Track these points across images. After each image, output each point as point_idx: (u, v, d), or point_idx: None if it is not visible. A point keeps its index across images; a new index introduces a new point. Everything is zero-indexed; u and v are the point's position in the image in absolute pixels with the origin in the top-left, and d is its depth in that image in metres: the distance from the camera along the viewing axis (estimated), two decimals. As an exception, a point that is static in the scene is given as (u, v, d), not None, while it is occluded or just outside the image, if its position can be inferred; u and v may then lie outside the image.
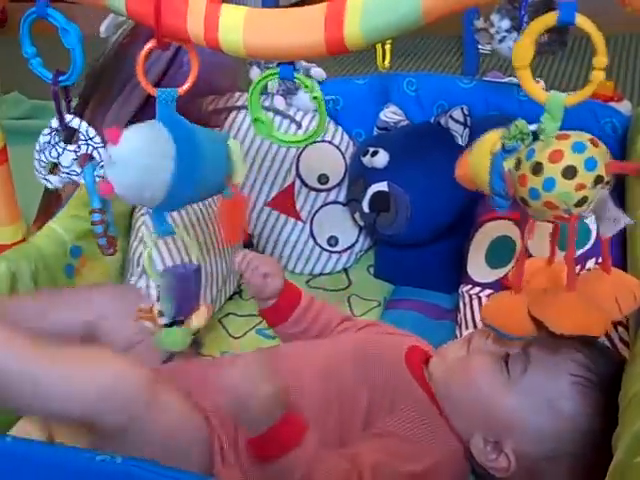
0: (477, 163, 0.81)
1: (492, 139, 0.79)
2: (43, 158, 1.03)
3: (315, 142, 1.38)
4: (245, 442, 0.81)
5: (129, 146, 0.84)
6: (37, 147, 1.03)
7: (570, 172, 0.72)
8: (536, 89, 0.74)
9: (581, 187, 0.72)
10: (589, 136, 0.75)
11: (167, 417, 0.81)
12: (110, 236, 0.98)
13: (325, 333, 1.06)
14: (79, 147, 1.01)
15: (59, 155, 1.03)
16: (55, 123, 1.01)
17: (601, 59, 0.71)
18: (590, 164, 0.73)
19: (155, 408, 0.80)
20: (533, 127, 0.76)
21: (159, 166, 0.84)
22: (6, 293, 0.99)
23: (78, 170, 1.04)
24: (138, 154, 0.84)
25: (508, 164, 0.77)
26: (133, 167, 0.84)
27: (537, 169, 0.73)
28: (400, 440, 0.85)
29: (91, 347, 0.88)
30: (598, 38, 0.71)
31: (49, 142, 1.03)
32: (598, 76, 0.72)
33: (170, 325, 0.96)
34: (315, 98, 0.88)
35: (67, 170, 1.04)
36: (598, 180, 0.73)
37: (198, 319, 0.98)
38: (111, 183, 0.85)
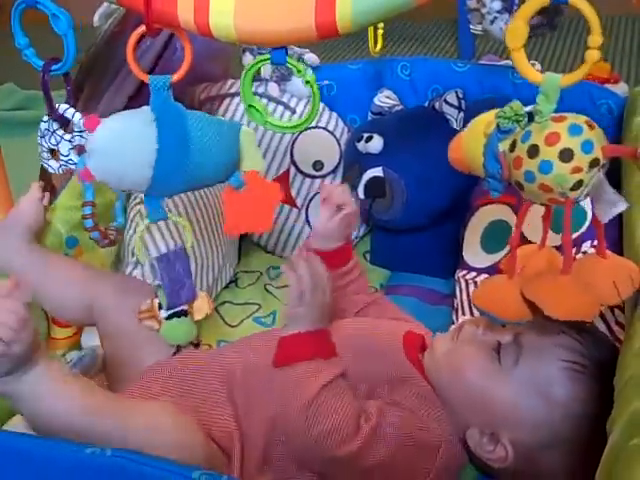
0: (471, 145, 0.80)
1: (486, 120, 0.79)
2: (44, 143, 1.03)
3: (309, 128, 1.38)
4: (279, 340, 0.87)
5: (103, 134, 0.84)
6: (39, 132, 1.03)
7: (567, 155, 0.71)
8: (531, 70, 0.74)
9: (577, 170, 0.72)
10: (585, 118, 0.74)
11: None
12: (108, 228, 0.98)
13: (352, 300, 1.06)
14: (73, 137, 1.01)
15: (57, 143, 1.03)
16: (61, 107, 1.01)
17: (596, 38, 0.70)
18: (587, 147, 0.72)
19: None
20: (528, 108, 0.75)
21: (137, 155, 0.84)
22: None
23: (75, 159, 1.03)
24: (112, 143, 0.84)
25: (503, 146, 0.76)
26: (107, 156, 0.84)
27: (533, 151, 0.73)
28: (407, 410, 0.86)
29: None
30: (592, 17, 0.70)
31: (48, 129, 1.02)
32: (593, 55, 0.71)
33: (171, 317, 0.96)
34: (307, 82, 0.87)
35: (65, 158, 1.04)
36: (594, 163, 0.72)
37: (200, 310, 0.98)
38: (89, 170, 0.85)
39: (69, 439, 0.71)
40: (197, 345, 1.00)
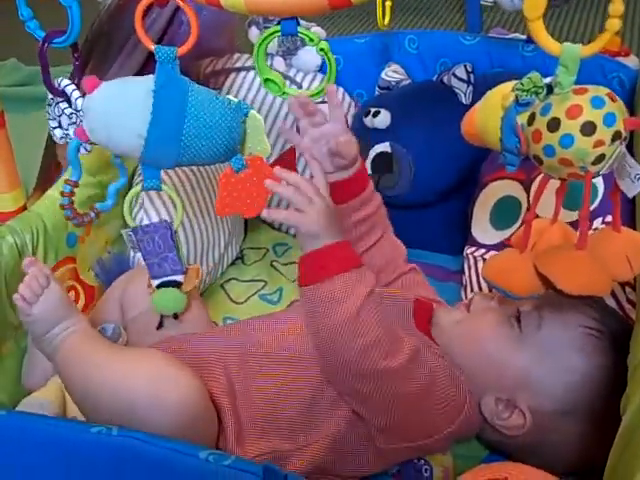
0: (486, 118, 0.79)
1: (502, 92, 0.77)
2: (50, 112, 1.03)
3: (316, 103, 1.36)
4: (302, 262, 0.83)
5: (99, 96, 0.84)
6: (47, 100, 1.03)
7: (589, 128, 0.70)
8: (550, 41, 0.71)
9: (600, 144, 0.70)
10: (607, 90, 0.72)
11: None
12: (91, 207, 0.98)
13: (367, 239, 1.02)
14: (72, 114, 1.00)
15: (60, 115, 1.02)
16: (62, 82, 1.00)
17: (617, 6, 0.68)
18: (609, 120, 0.70)
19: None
20: (547, 80, 0.73)
21: (128, 122, 0.83)
22: (12, 265, 0.98)
23: (72, 134, 1.03)
24: (105, 106, 0.84)
25: (521, 119, 0.74)
26: (100, 116, 0.84)
27: (554, 125, 0.71)
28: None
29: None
30: None
31: (53, 99, 1.02)
32: (614, 24, 0.69)
33: (159, 287, 0.96)
34: (322, 50, 0.85)
35: (65, 132, 1.04)
36: (616, 136, 0.71)
37: (187, 282, 0.98)
38: (84, 129, 0.86)
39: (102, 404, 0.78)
40: (176, 317, 0.99)
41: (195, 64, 1.40)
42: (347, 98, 1.44)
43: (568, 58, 0.70)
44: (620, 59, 1.34)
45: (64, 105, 1.02)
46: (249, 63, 1.40)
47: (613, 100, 0.71)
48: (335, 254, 0.82)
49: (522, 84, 0.73)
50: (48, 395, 0.95)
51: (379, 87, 1.42)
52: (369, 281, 0.83)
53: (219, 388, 0.87)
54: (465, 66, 1.29)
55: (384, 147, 1.30)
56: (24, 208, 1.15)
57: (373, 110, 1.32)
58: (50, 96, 1.02)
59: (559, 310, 0.85)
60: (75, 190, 0.94)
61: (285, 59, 1.40)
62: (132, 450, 0.56)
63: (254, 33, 1.40)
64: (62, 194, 0.94)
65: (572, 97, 0.71)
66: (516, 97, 0.74)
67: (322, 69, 1.43)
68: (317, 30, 1.40)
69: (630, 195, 0.75)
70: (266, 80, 0.90)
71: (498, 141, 0.76)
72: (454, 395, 0.84)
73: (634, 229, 0.91)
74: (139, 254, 1.17)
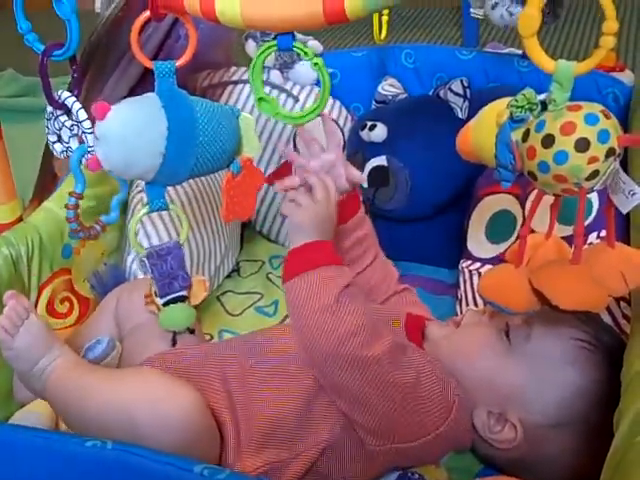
0: (481, 135, 0.79)
1: (497, 109, 0.77)
2: (49, 126, 1.03)
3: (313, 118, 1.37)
4: (286, 259, 0.88)
5: (115, 122, 0.82)
6: (46, 114, 1.03)
7: (583, 145, 0.70)
8: (544, 58, 0.72)
9: (593, 160, 0.70)
10: (601, 107, 0.72)
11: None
12: (96, 221, 0.98)
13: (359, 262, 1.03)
14: (73, 127, 1.00)
15: (60, 128, 1.02)
16: (62, 94, 1.00)
17: (611, 24, 0.68)
18: (603, 136, 0.70)
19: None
20: (542, 97, 0.74)
21: (147, 142, 0.82)
22: (7, 277, 0.98)
23: (74, 147, 1.03)
24: (124, 130, 0.82)
25: (516, 135, 0.75)
26: (118, 143, 0.82)
27: (548, 141, 0.71)
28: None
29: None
30: (608, 2, 0.69)
31: (52, 112, 1.02)
32: (608, 42, 0.69)
33: (167, 304, 0.95)
34: (316, 64, 0.86)
35: (66, 145, 1.04)
36: (610, 153, 0.71)
37: (195, 296, 0.98)
38: (98, 159, 0.84)
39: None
40: (192, 332, 0.98)
41: (192, 77, 1.40)
42: (343, 111, 1.44)
43: (562, 75, 0.71)
44: (615, 74, 1.34)
45: (64, 118, 1.02)
46: (246, 76, 1.40)
47: (607, 117, 0.72)
48: (315, 251, 0.87)
49: (516, 100, 0.74)
50: (40, 408, 0.94)
51: (376, 101, 1.42)
52: (347, 277, 0.86)
53: (219, 402, 0.86)
54: (461, 81, 1.30)
55: (380, 161, 1.30)
56: (20, 219, 1.15)
57: (370, 124, 1.33)
58: (49, 110, 1.02)
59: (550, 323, 0.85)
60: (80, 202, 0.94)
61: (282, 72, 1.40)
62: (127, 464, 0.56)
63: (251, 46, 1.40)
64: (67, 207, 0.94)
65: (566, 114, 0.71)
66: (510, 114, 0.74)
67: (319, 82, 1.43)
68: (314, 44, 1.40)
69: (624, 211, 0.76)
70: (260, 100, 0.90)
71: (493, 157, 0.77)
72: (440, 394, 0.84)
73: (628, 244, 0.91)
74: (135, 264, 1.17)
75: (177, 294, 0.95)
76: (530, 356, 0.84)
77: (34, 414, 0.93)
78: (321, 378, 0.85)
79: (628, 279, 0.78)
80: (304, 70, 1.39)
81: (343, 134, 1.41)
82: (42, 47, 0.97)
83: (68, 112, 1.02)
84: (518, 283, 0.80)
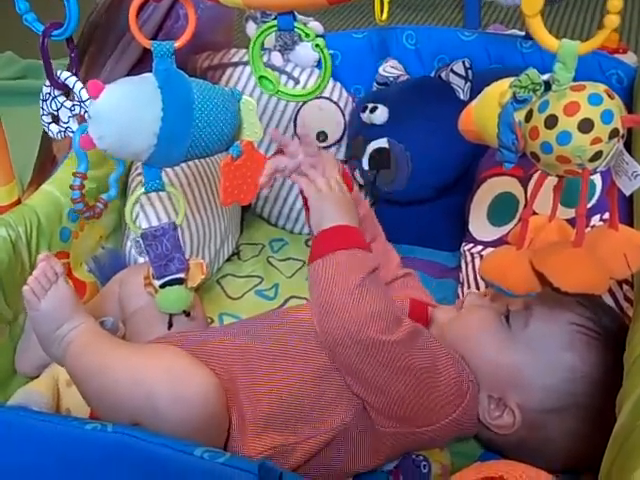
0: (483, 115, 0.78)
1: (500, 89, 0.76)
2: (45, 107, 1.02)
3: (313, 99, 1.36)
4: (316, 238, 0.91)
5: (108, 101, 0.82)
6: (41, 95, 1.02)
7: (587, 125, 0.69)
8: (548, 37, 0.71)
9: (597, 141, 0.70)
10: (604, 87, 0.71)
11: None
12: (98, 199, 0.97)
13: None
14: (74, 106, 0.99)
15: (58, 109, 1.01)
16: (62, 74, 0.99)
17: (615, 3, 0.67)
18: (607, 117, 0.70)
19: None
20: (545, 77, 0.73)
21: (141, 122, 0.82)
22: (6, 259, 0.98)
23: (74, 127, 1.02)
24: (117, 109, 0.82)
25: (518, 116, 0.74)
26: (112, 122, 0.82)
27: (551, 122, 0.70)
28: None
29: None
30: None
31: (49, 93, 1.01)
32: (612, 20, 0.68)
33: (164, 286, 0.95)
34: (317, 46, 0.85)
35: (65, 125, 1.03)
36: (614, 133, 0.70)
37: (193, 278, 0.97)
38: (91, 137, 0.83)
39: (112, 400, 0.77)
40: (188, 314, 0.98)
41: (192, 58, 1.39)
42: (344, 93, 1.43)
43: (566, 55, 0.70)
44: (618, 56, 1.33)
45: (62, 98, 1.01)
46: (246, 58, 1.39)
47: (611, 97, 0.71)
48: (345, 234, 0.89)
49: (520, 81, 0.73)
50: (41, 387, 0.94)
51: (377, 83, 1.41)
52: (374, 261, 0.88)
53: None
54: (463, 62, 1.29)
55: (382, 143, 1.29)
56: (18, 202, 1.15)
57: (371, 106, 1.32)
58: (46, 91, 1.01)
59: (549, 308, 0.85)
60: (85, 182, 0.93)
61: (282, 54, 1.39)
62: (127, 447, 0.56)
63: (251, 28, 1.39)
64: (72, 188, 0.93)
65: (570, 94, 0.71)
66: (513, 94, 0.73)
67: (319, 64, 1.42)
68: (314, 25, 1.39)
69: (627, 193, 0.75)
70: (260, 78, 0.89)
71: (495, 138, 0.76)
72: (455, 380, 0.84)
73: (632, 227, 0.91)
74: (133, 248, 1.17)
75: (174, 276, 0.95)
76: (529, 341, 0.84)
77: (35, 393, 0.93)
78: (335, 360, 0.84)
79: (631, 261, 0.77)
80: (304, 52, 1.38)
81: (344, 116, 1.40)
82: (41, 27, 0.96)
83: (67, 93, 1.01)
84: (519, 265, 0.80)
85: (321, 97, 1.40)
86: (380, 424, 0.84)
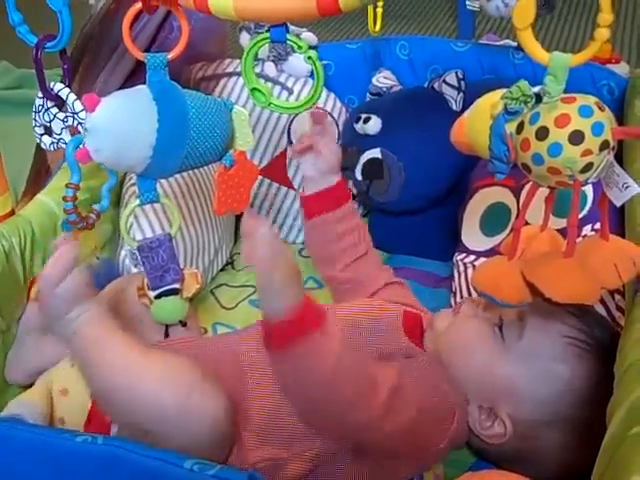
0: (475, 126, 0.79)
1: (491, 101, 0.77)
2: (38, 119, 1.02)
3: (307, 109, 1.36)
4: (265, 337, 0.76)
5: (105, 114, 0.82)
6: (33, 107, 1.02)
7: (577, 137, 0.70)
8: (538, 50, 0.72)
9: (588, 153, 0.70)
10: (595, 99, 0.72)
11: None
12: (91, 210, 0.97)
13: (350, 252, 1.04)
14: (67, 118, 1.00)
15: (50, 120, 1.01)
16: (56, 86, 0.99)
17: (605, 16, 0.68)
18: (597, 129, 0.70)
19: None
20: (536, 89, 0.73)
21: (137, 134, 0.82)
22: (0, 270, 0.98)
23: (67, 139, 1.02)
24: (113, 122, 0.82)
25: (510, 127, 0.74)
26: (108, 135, 0.82)
27: (542, 134, 0.71)
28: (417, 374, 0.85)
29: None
30: None
31: (42, 105, 1.01)
32: (602, 34, 0.69)
33: (159, 297, 0.95)
34: (309, 58, 0.85)
35: (57, 137, 1.03)
36: (604, 145, 0.71)
37: (188, 288, 0.97)
38: (88, 151, 0.83)
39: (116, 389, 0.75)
40: (184, 325, 0.98)
41: (186, 69, 1.40)
42: (338, 104, 1.44)
43: (556, 67, 0.71)
44: (611, 66, 1.34)
45: (55, 110, 1.02)
46: (239, 69, 1.40)
47: (601, 109, 0.72)
48: (298, 316, 0.73)
49: (511, 92, 0.73)
50: (34, 397, 0.94)
51: (370, 93, 1.42)
52: (336, 333, 0.77)
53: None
54: (456, 73, 1.29)
55: (375, 153, 1.30)
56: (12, 213, 1.15)
57: (364, 116, 1.32)
58: (39, 102, 1.01)
59: (542, 320, 0.84)
60: (77, 194, 0.93)
61: (276, 64, 1.39)
62: (117, 459, 0.55)
63: (245, 38, 1.39)
64: (65, 199, 0.93)
65: (560, 106, 0.71)
66: (505, 105, 0.74)
67: (313, 75, 1.42)
68: (308, 35, 1.39)
69: (618, 204, 0.75)
70: (253, 90, 0.90)
71: (487, 149, 0.76)
72: (441, 415, 0.84)
73: (623, 237, 0.91)
74: (127, 259, 1.17)
75: (169, 287, 0.95)
76: (522, 353, 0.84)
77: (29, 404, 0.92)
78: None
79: (622, 271, 0.78)
80: (298, 62, 1.38)
81: (337, 126, 1.41)
82: (34, 39, 0.96)
83: (60, 104, 1.02)
84: (511, 275, 0.80)
85: (315, 107, 1.40)
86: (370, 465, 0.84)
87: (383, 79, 1.41)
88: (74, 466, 0.56)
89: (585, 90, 0.75)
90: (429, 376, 0.86)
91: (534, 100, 0.73)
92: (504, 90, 0.75)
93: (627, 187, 0.73)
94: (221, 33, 1.40)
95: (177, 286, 0.96)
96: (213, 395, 0.78)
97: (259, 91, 0.90)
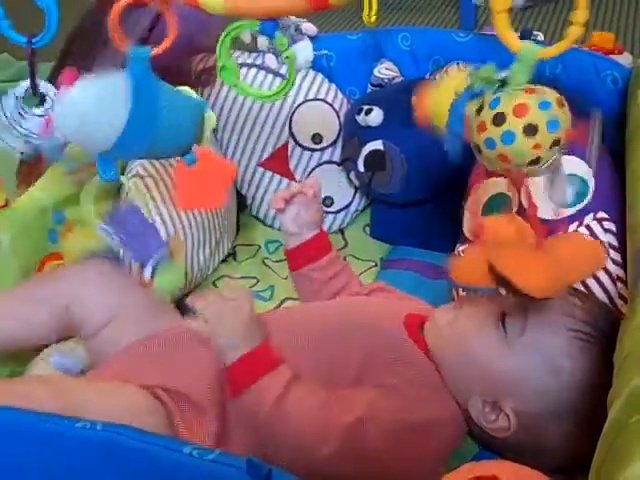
0: (438, 101, 0.78)
1: (458, 78, 0.77)
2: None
3: (308, 100, 1.36)
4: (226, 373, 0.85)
5: (77, 94, 0.82)
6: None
7: (531, 130, 0.70)
8: (511, 37, 0.72)
9: (538, 147, 0.70)
10: (557, 95, 0.72)
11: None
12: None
13: (343, 293, 1.06)
14: (46, 111, 0.99)
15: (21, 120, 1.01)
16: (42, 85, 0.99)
17: (580, 13, 0.69)
18: (552, 125, 0.70)
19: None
20: (502, 74, 0.73)
21: (107, 118, 0.82)
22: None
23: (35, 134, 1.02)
24: (82, 100, 0.82)
25: (471, 107, 0.74)
26: (75, 114, 0.82)
27: (499, 119, 0.71)
28: (398, 393, 0.85)
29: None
30: None
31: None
32: (575, 32, 0.69)
33: (154, 271, 0.96)
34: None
35: (26, 132, 1.02)
36: (555, 143, 0.71)
37: (176, 252, 0.99)
38: (52, 121, 0.85)
39: None
40: (187, 295, 0.99)
41: (187, 61, 1.39)
42: (339, 95, 1.43)
43: (525, 57, 0.70)
44: (614, 57, 1.34)
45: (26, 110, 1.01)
46: (240, 60, 1.40)
47: (560, 106, 0.71)
48: (250, 362, 0.84)
49: (478, 72, 0.73)
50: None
51: (371, 84, 1.42)
52: (286, 374, 0.84)
53: (208, 385, 0.87)
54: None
55: (377, 145, 1.29)
56: (5, 205, 1.15)
57: (366, 108, 1.32)
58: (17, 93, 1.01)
59: (545, 313, 0.84)
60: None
61: (277, 56, 1.39)
62: (116, 445, 0.55)
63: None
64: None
65: (522, 95, 0.71)
66: (470, 84, 0.74)
67: (314, 66, 1.42)
68: (308, 26, 1.39)
69: (557, 207, 0.76)
70: (222, 68, 0.89)
71: (445, 125, 0.76)
72: (446, 416, 0.85)
73: (624, 229, 0.91)
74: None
75: (158, 256, 0.96)
76: (525, 347, 0.83)
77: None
78: None
79: (587, 265, 0.78)
80: (298, 54, 1.38)
81: (339, 117, 1.41)
82: (16, 34, 0.95)
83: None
84: (476, 261, 0.81)
85: (317, 99, 1.40)
86: None
87: (384, 70, 1.40)
88: (72, 453, 0.56)
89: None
90: (422, 388, 0.86)
91: (497, 85, 0.73)
92: (472, 67, 0.75)
93: (566, 190, 0.73)
94: (221, 25, 1.40)
95: (164, 250, 0.97)
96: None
97: (227, 69, 0.89)
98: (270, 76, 1.38)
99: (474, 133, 0.73)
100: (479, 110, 0.73)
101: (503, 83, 0.72)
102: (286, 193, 1.03)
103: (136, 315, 0.97)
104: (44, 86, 0.98)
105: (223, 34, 0.87)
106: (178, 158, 0.89)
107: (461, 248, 1.21)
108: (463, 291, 1.08)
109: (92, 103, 0.82)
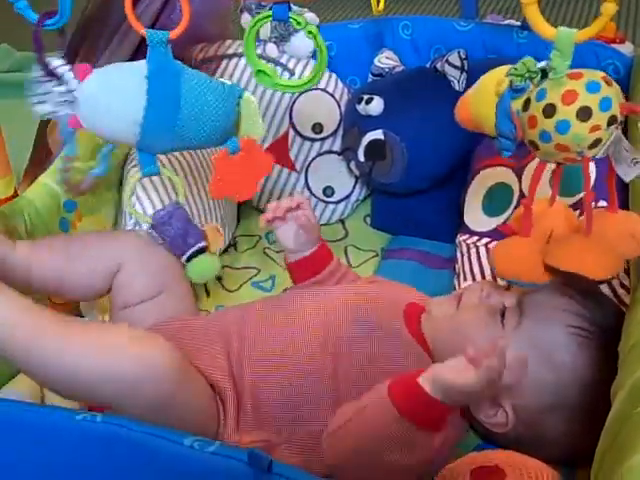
0: (480, 104, 0.78)
1: (496, 78, 0.76)
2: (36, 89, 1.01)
3: (308, 90, 1.36)
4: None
5: (93, 85, 0.83)
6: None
7: (585, 113, 0.69)
8: (545, 25, 0.71)
9: (596, 128, 0.70)
10: (602, 74, 0.72)
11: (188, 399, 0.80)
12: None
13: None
14: (62, 94, 0.99)
15: (48, 92, 1.00)
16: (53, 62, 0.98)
17: (611, 6, 0.68)
18: (605, 104, 0.70)
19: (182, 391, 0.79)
20: (541, 65, 0.73)
21: (124, 107, 0.82)
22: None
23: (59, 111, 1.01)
24: (100, 93, 0.83)
25: (516, 104, 0.74)
26: (94, 105, 0.82)
27: (549, 111, 0.70)
28: None
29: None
30: None
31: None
32: (610, 8, 0.68)
33: (189, 259, 0.97)
34: (310, 32, 0.85)
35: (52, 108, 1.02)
36: (612, 121, 0.70)
37: (214, 242, 0.99)
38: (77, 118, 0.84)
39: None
40: (219, 279, 1.01)
41: (187, 50, 1.39)
42: (340, 84, 1.43)
43: (563, 42, 0.70)
44: (615, 46, 1.33)
45: (52, 83, 1.01)
46: (241, 50, 1.39)
47: (608, 84, 0.71)
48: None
49: (516, 69, 0.72)
50: (21, 387, 0.92)
51: (372, 74, 1.41)
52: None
53: (222, 372, 0.87)
54: (459, 53, 1.28)
55: (377, 134, 1.29)
56: (15, 195, 1.15)
57: (366, 97, 1.31)
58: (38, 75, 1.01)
59: (543, 308, 0.84)
60: (75, 165, 0.94)
61: (278, 45, 1.39)
62: (116, 437, 0.55)
63: (246, 19, 1.38)
64: (66, 170, 0.94)
65: (567, 82, 0.70)
66: (510, 82, 0.73)
67: (315, 55, 1.42)
68: (310, 16, 1.38)
69: (627, 179, 0.75)
70: (258, 72, 0.89)
71: (493, 127, 0.76)
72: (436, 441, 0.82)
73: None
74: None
75: (196, 247, 0.96)
76: (522, 342, 0.83)
77: (12, 394, 0.90)
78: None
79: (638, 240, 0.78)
80: (300, 43, 1.38)
81: (340, 107, 1.40)
82: (34, 15, 0.95)
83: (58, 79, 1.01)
84: (529, 255, 0.80)
85: (317, 89, 1.39)
86: None
87: (385, 59, 1.40)
88: (73, 445, 0.56)
89: (590, 69, 0.74)
90: None
91: (539, 76, 0.72)
92: (509, 66, 0.74)
93: (636, 162, 0.72)
94: (222, 14, 1.39)
95: (202, 244, 0.97)
96: (157, 346, 0.77)
97: (264, 73, 0.89)
98: (271, 65, 1.37)
99: (526, 129, 0.73)
100: (525, 106, 0.73)
101: (544, 74, 0.72)
102: (279, 211, 1.01)
103: (174, 301, 0.99)
104: (60, 66, 0.98)
105: (245, 36, 0.87)
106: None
107: (462, 238, 1.21)
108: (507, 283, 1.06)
109: (104, 96, 0.82)
